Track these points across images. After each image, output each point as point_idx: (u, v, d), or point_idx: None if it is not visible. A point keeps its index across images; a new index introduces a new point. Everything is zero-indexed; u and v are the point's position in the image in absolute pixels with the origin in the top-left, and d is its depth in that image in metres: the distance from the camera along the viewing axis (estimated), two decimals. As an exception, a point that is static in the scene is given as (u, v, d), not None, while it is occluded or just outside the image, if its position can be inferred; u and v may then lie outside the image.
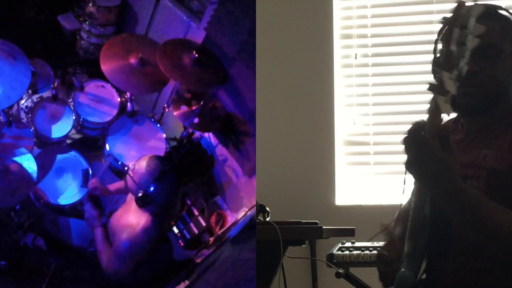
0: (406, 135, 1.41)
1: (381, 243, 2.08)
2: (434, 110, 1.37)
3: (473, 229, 1.46)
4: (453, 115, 1.76)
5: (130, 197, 2.71)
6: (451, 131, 1.40)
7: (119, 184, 2.96)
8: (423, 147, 1.37)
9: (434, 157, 1.37)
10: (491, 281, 1.57)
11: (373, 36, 3.52)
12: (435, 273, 1.65)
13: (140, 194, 2.54)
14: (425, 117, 1.42)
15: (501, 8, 1.68)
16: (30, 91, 2.99)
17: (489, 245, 1.49)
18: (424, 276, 1.63)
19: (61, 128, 3.06)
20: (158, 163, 2.57)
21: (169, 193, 2.64)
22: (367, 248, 2.52)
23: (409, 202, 1.73)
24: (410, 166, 1.41)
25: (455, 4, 1.36)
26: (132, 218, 2.62)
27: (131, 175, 2.57)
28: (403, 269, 1.58)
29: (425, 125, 1.38)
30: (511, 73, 1.65)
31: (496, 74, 1.61)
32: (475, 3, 1.34)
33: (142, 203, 2.56)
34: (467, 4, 1.36)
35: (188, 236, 3.11)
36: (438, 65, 1.37)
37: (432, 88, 1.39)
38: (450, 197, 1.42)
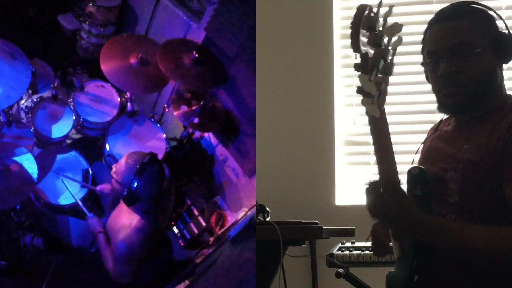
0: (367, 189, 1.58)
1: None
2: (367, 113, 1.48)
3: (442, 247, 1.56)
4: (441, 115, 1.80)
5: None
6: (400, 182, 1.57)
7: None
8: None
9: (390, 210, 1.51)
10: (474, 282, 1.57)
11: (373, 36, 3.51)
12: (423, 273, 1.65)
13: (125, 193, 2.53)
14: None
15: (471, 3, 1.70)
16: (30, 91, 2.99)
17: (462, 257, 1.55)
18: (417, 277, 1.63)
19: (61, 128, 3.06)
20: (136, 157, 2.56)
21: (153, 186, 2.60)
22: (367, 248, 2.52)
23: None
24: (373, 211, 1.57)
25: (355, 9, 1.37)
26: (124, 219, 2.62)
27: (114, 177, 2.57)
28: (392, 270, 1.59)
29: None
30: (492, 64, 1.66)
31: (473, 70, 1.63)
32: (382, 5, 1.37)
33: (129, 201, 2.55)
34: (373, 6, 1.38)
35: (188, 236, 3.11)
36: (357, 69, 1.39)
37: (358, 91, 1.43)
38: (409, 231, 1.55)
